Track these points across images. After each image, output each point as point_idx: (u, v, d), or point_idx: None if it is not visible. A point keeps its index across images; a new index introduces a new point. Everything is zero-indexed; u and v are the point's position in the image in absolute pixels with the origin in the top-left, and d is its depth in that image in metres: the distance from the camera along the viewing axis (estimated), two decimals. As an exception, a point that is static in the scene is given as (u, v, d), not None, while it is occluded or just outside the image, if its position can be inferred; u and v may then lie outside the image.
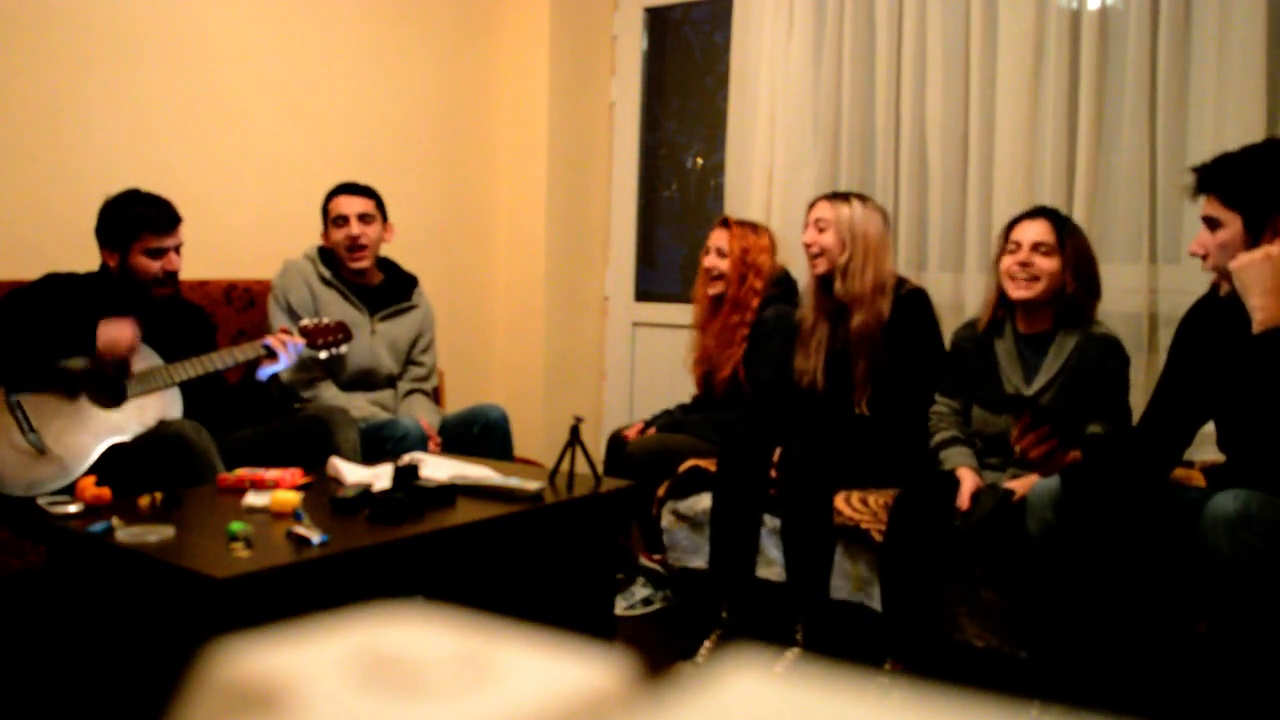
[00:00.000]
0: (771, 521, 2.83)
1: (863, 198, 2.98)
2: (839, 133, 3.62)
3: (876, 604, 2.61)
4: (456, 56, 4.02)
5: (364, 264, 3.11)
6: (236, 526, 1.87)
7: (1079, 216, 3.17)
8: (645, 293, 4.35)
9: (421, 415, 3.06)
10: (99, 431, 2.51)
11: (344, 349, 2.92)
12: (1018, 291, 2.58)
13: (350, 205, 3.10)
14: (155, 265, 2.66)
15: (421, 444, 2.84)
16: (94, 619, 1.95)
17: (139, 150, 3.09)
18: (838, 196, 2.97)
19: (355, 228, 3.07)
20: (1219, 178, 2.11)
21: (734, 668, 0.37)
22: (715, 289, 3.27)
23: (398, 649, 0.34)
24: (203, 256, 3.03)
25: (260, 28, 3.40)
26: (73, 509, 2.06)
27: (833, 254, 2.89)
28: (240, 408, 2.82)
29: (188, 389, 2.65)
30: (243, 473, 2.31)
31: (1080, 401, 2.53)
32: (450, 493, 2.24)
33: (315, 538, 1.89)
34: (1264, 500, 1.94)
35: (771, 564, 2.85)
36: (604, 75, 4.33)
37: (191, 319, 2.86)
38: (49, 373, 2.50)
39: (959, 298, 3.40)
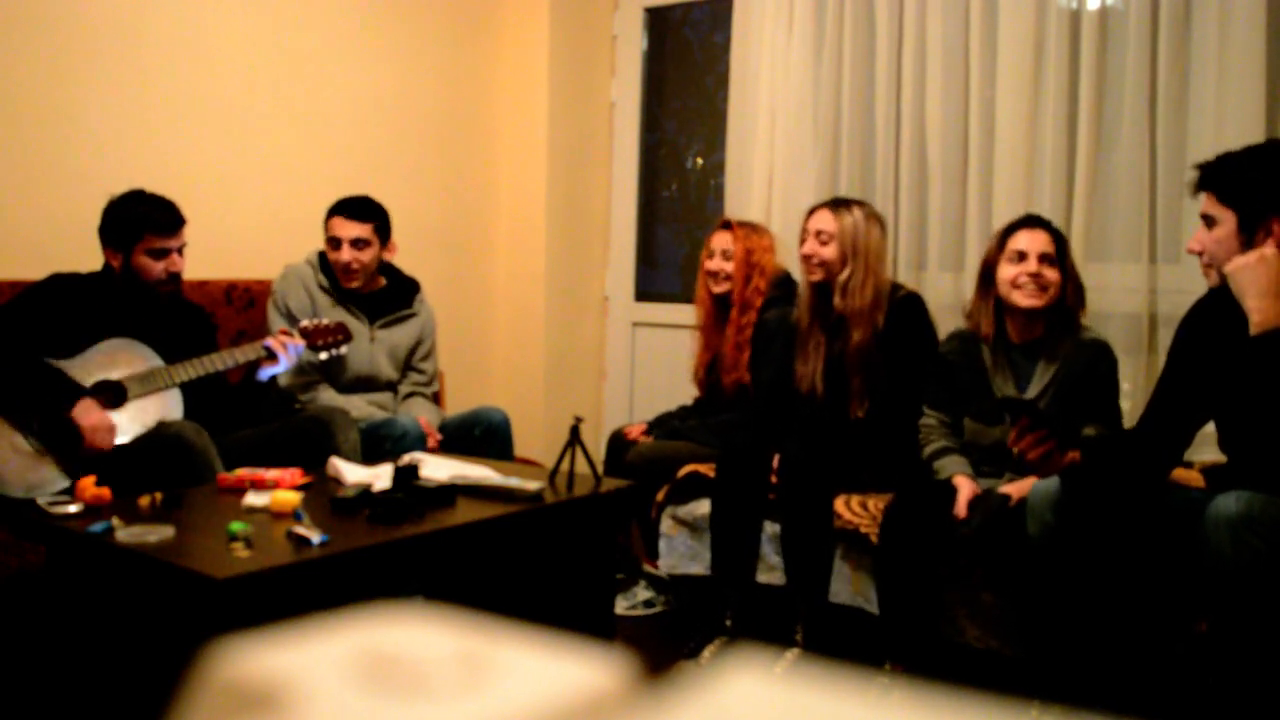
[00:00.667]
0: (771, 527, 2.83)
1: (863, 205, 2.96)
2: (839, 133, 3.62)
3: (875, 608, 2.61)
4: (457, 57, 4.02)
5: (355, 284, 3.10)
6: (236, 526, 1.87)
7: (1079, 216, 3.17)
8: (645, 293, 4.35)
9: (421, 415, 3.06)
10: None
11: (344, 350, 2.92)
12: (1027, 301, 2.57)
13: (345, 229, 3.06)
14: (158, 266, 2.66)
15: (421, 443, 2.84)
16: (94, 619, 1.95)
17: (141, 150, 3.09)
18: (839, 205, 2.93)
19: (346, 253, 3.05)
20: (1217, 175, 2.12)
21: (734, 668, 0.37)
22: (721, 288, 3.28)
23: (398, 649, 0.34)
24: (203, 256, 3.03)
25: (261, 28, 3.40)
26: (73, 509, 2.06)
27: (833, 266, 2.88)
28: (240, 408, 2.82)
29: (188, 390, 2.65)
30: (243, 473, 2.31)
31: (1073, 406, 2.53)
32: (450, 493, 2.24)
33: (315, 538, 1.89)
34: (1267, 501, 1.94)
35: (772, 569, 2.85)
36: (604, 75, 4.33)
37: (192, 319, 2.86)
38: (48, 418, 2.46)
39: (959, 298, 3.39)
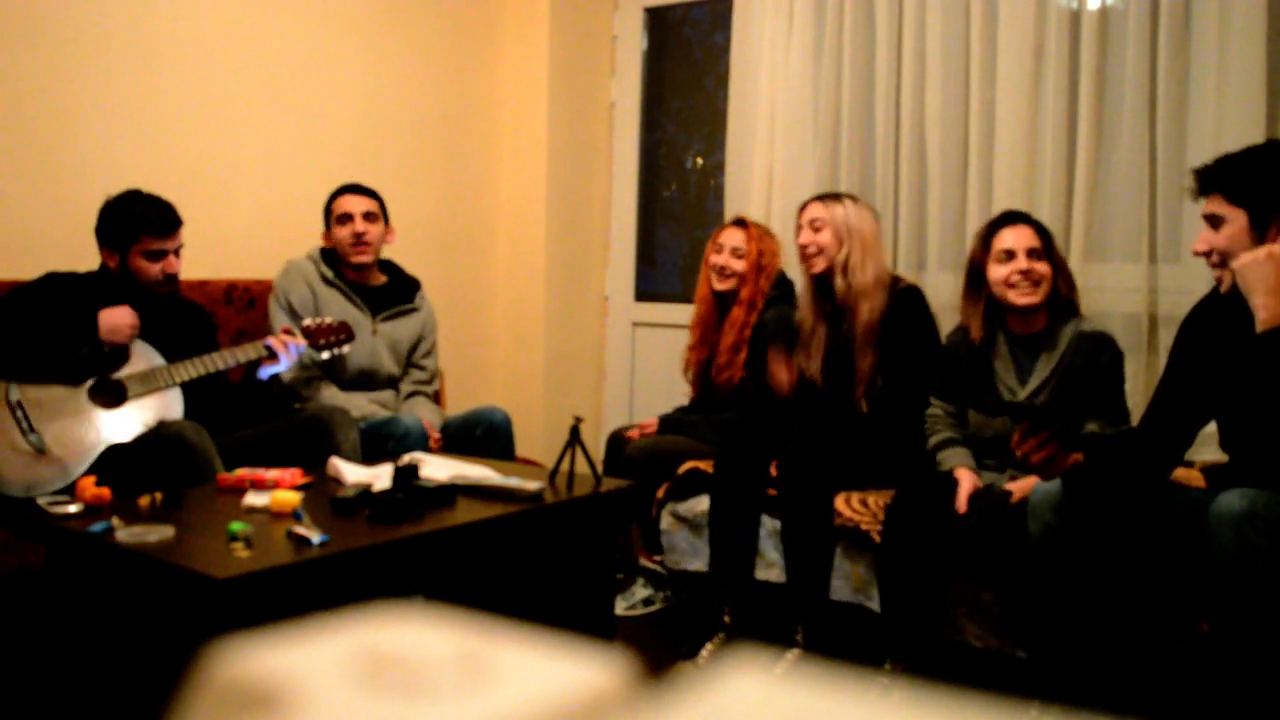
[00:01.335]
0: (771, 523, 2.83)
1: (853, 198, 3.00)
2: (839, 133, 3.62)
3: (876, 605, 2.61)
4: (457, 57, 4.02)
5: (366, 259, 3.12)
6: (236, 526, 1.87)
7: (1079, 216, 3.17)
8: (645, 293, 4.35)
9: (423, 414, 3.06)
10: (99, 432, 2.51)
11: (346, 349, 2.92)
12: (1023, 299, 2.57)
13: (355, 204, 3.12)
14: (155, 268, 2.66)
15: (423, 443, 2.84)
16: (94, 619, 1.95)
17: (139, 150, 3.09)
18: (829, 197, 2.98)
19: (360, 224, 3.10)
20: (1223, 175, 2.12)
21: (734, 668, 0.37)
22: (725, 285, 3.28)
23: (398, 649, 0.34)
24: (203, 256, 3.03)
25: (260, 28, 3.40)
26: (73, 509, 2.06)
27: (830, 252, 2.90)
28: (241, 408, 2.82)
29: (189, 389, 2.65)
30: (243, 473, 2.31)
31: (1075, 399, 2.53)
32: (450, 493, 2.25)
33: (315, 538, 1.89)
34: (1270, 499, 1.94)
35: (771, 565, 2.85)
36: (604, 75, 4.33)
37: (192, 319, 2.86)
38: (51, 362, 2.50)
39: (958, 298, 3.40)
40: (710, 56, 4.22)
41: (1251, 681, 1.95)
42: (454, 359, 3.86)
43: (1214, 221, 2.13)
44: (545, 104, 4.08)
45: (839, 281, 2.89)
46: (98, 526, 1.92)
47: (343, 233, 3.11)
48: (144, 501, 2.11)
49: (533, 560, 2.39)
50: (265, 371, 2.77)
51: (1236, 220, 2.09)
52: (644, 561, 3.24)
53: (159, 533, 1.89)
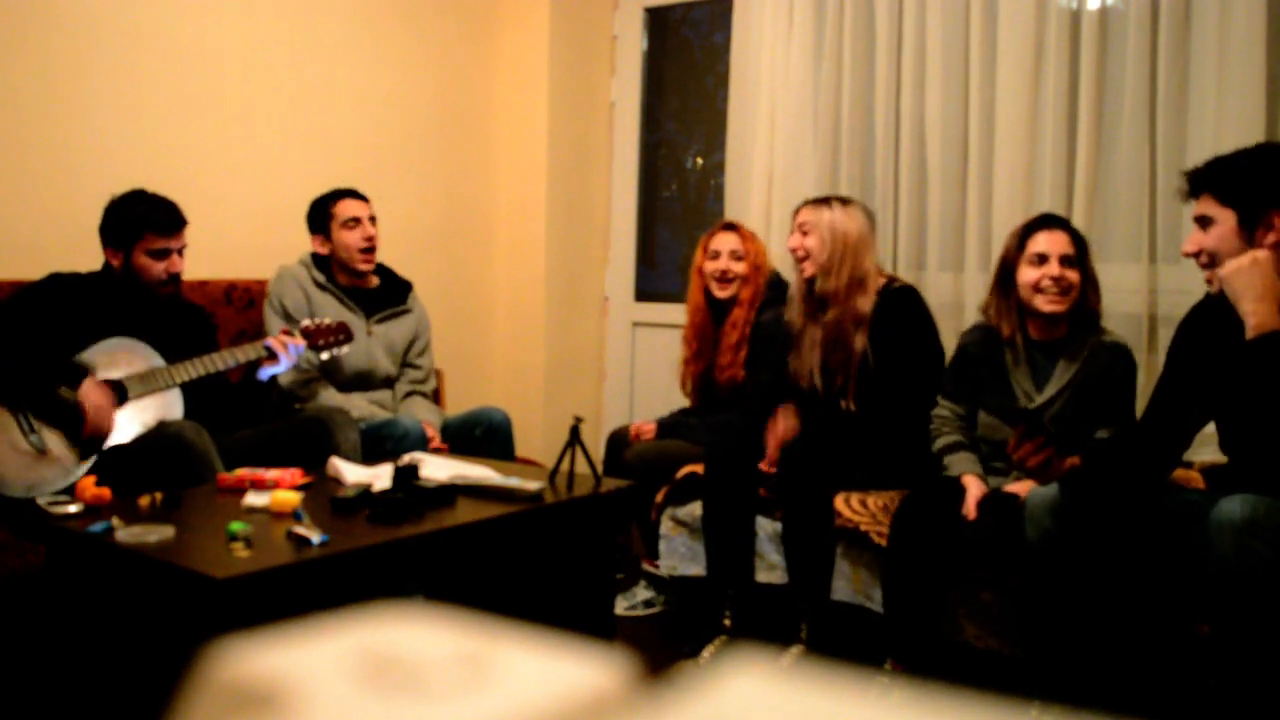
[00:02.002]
0: (772, 525, 2.83)
1: (845, 201, 2.98)
2: (839, 133, 3.62)
3: (876, 606, 2.61)
4: (456, 57, 4.02)
5: (373, 264, 3.17)
6: (236, 526, 1.87)
7: (1079, 216, 3.17)
8: (645, 293, 4.35)
9: (423, 416, 3.06)
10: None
11: (345, 350, 2.92)
12: (1050, 306, 2.56)
13: (361, 209, 3.15)
14: (158, 267, 2.66)
15: (422, 444, 2.84)
16: (94, 619, 1.95)
17: (140, 150, 3.09)
18: (820, 201, 2.98)
19: (369, 228, 3.14)
20: (1213, 177, 2.13)
21: (734, 668, 0.37)
22: (727, 292, 3.26)
23: (398, 649, 0.34)
24: (203, 256, 3.03)
25: (261, 27, 3.40)
26: (73, 509, 2.06)
27: (817, 255, 2.90)
28: (241, 408, 2.82)
29: (188, 389, 2.65)
30: (243, 473, 2.31)
31: (1089, 407, 2.53)
32: (450, 493, 2.24)
33: (315, 538, 1.89)
34: (1271, 506, 1.93)
35: (773, 568, 2.85)
36: (604, 75, 4.33)
37: (192, 319, 2.86)
38: (45, 397, 2.47)
39: (959, 298, 3.40)
40: (710, 56, 4.22)
41: (1252, 685, 1.95)
42: (454, 359, 3.86)
43: (1203, 222, 2.14)
44: (545, 103, 4.08)
45: (818, 283, 2.89)
46: (98, 526, 1.92)
47: (352, 237, 3.11)
48: (144, 501, 2.11)
49: (533, 560, 2.39)
50: (265, 372, 2.77)
51: (1225, 221, 2.09)
52: (646, 567, 3.24)
53: (159, 533, 1.89)
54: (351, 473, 2.40)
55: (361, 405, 3.05)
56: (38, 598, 2.11)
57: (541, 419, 4.08)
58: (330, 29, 3.59)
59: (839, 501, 2.72)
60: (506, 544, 2.32)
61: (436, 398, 3.40)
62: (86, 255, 2.69)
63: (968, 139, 3.39)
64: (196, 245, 2.83)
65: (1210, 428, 2.29)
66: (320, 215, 3.15)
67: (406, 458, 2.35)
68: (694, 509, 3.01)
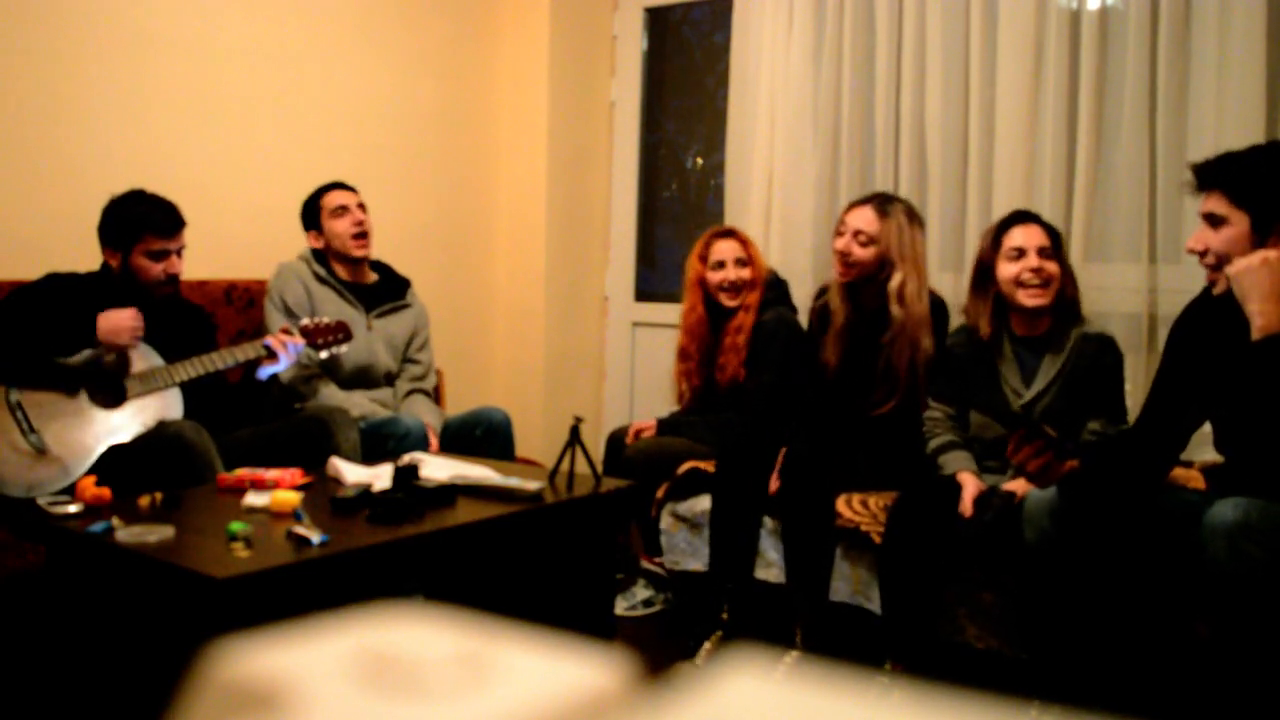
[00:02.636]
0: (771, 523, 2.83)
1: (905, 204, 2.94)
2: (839, 133, 3.62)
3: (876, 606, 2.61)
4: (456, 56, 4.02)
5: (368, 250, 3.17)
6: (236, 526, 1.87)
7: (1079, 216, 3.17)
8: (645, 293, 4.35)
9: (424, 415, 3.06)
10: (99, 432, 2.51)
11: (344, 348, 2.92)
12: (1033, 300, 2.56)
13: (347, 197, 3.17)
14: (157, 267, 2.66)
15: (423, 443, 2.84)
16: (94, 619, 1.95)
17: (140, 150, 3.09)
18: (882, 208, 2.90)
19: (359, 214, 3.15)
20: (1227, 175, 2.08)
21: (734, 668, 0.37)
22: (736, 300, 3.22)
23: (398, 649, 0.34)
24: (203, 256, 3.03)
25: (260, 27, 3.40)
26: (73, 509, 2.06)
27: (866, 269, 2.87)
28: (240, 408, 2.82)
29: (188, 389, 2.65)
30: (243, 473, 2.31)
31: (1079, 400, 2.53)
32: (450, 493, 2.25)
33: (315, 538, 1.89)
34: (1264, 508, 1.93)
35: (771, 565, 2.85)
36: (604, 75, 4.33)
37: (192, 319, 2.86)
38: (50, 370, 2.50)
39: (959, 298, 3.38)
40: (710, 56, 4.22)
41: (1250, 685, 1.95)
42: (454, 359, 3.86)
43: (1213, 221, 2.09)
44: (545, 104, 4.08)
45: (895, 308, 2.84)
46: (98, 526, 1.92)
47: (341, 225, 3.12)
48: (144, 501, 2.11)
49: (533, 560, 2.39)
50: (264, 371, 2.77)
51: (1238, 223, 2.05)
52: (645, 564, 3.24)
53: (159, 533, 1.89)
54: (351, 473, 2.40)
55: (363, 403, 3.05)
56: (38, 598, 2.11)
57: (541, 419, 4.08)
58: (330, 29, 3.59)
59: (840, 502, 2.72)
60: (506, 544, 2.32)
61: (436, 398, 3.40)
62: (86, 255, 2.69)
63: (968, 139, 3.39)
64: (196, 245, 2.83)
65: (1208, 427, 2.28)
66: (311, 211, 3.18)
67: (406, 458, 2.35)
68: (694, 505, 3.01)
